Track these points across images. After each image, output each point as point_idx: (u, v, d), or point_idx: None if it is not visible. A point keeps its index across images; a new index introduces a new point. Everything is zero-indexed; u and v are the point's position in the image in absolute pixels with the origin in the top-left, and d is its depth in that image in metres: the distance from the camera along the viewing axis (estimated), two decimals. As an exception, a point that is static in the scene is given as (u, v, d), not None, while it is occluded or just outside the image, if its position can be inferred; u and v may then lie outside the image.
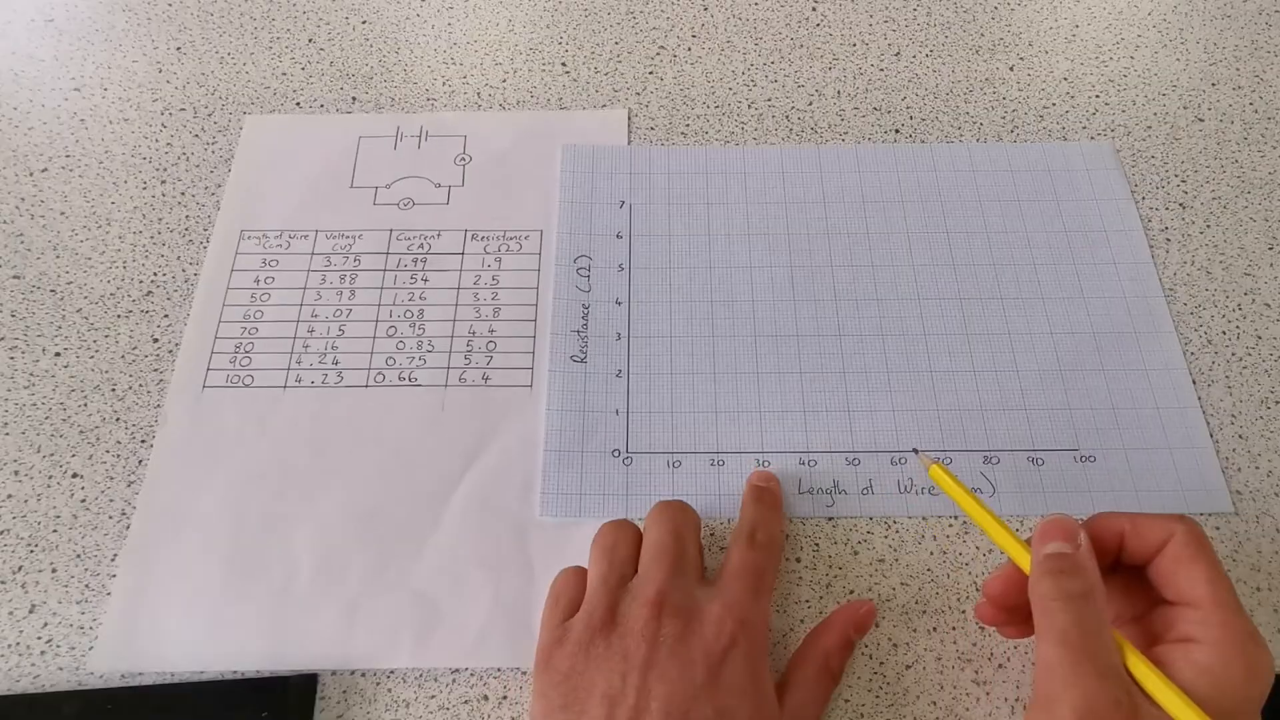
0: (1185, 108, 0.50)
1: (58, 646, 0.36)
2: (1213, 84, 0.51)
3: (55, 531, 0.38)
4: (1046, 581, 0.27)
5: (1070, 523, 0.29)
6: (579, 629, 0.32)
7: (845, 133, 0.49)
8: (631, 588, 0.32)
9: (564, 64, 0.52)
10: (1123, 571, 0.30)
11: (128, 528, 0.38)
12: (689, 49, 0.53)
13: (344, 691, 0.35)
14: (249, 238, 0.45)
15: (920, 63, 0.52)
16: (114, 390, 0.41)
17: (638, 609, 0.31)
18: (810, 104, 0.50)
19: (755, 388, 0.41)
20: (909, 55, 0.53)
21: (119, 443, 0.40)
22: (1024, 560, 0.30)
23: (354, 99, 0.51)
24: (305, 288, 0.44)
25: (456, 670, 0.35)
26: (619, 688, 0.30)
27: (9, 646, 0.36)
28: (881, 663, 0.35)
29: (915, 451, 0.39)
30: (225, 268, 0.44)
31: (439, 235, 0.46)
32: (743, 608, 0.32)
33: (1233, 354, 0.42)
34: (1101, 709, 0.25)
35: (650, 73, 0.52)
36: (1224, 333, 0.43)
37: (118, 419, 0.41)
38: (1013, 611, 0.31)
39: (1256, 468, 0.39)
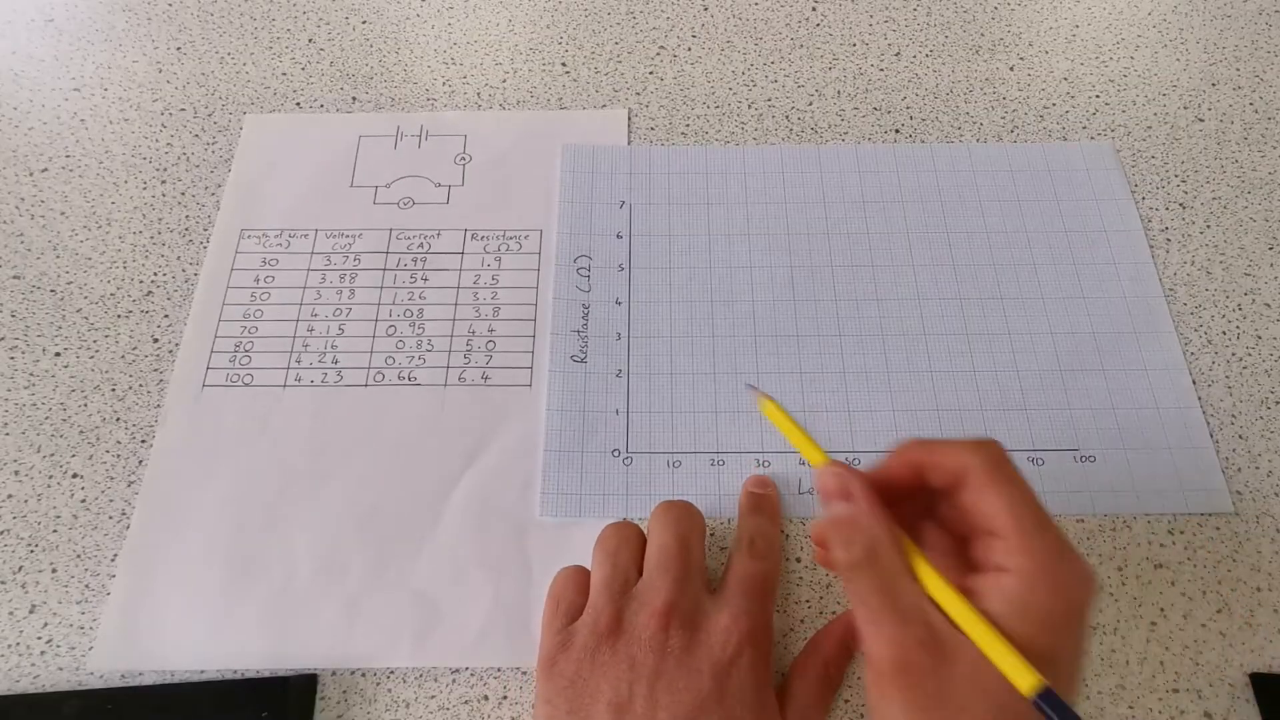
0: (1185, 108, 0.50)
1: (58, 646, 0.36)
2: (1213, 84, 0.51)
3: (55, 531, 0.38)
4: (839, 552, 0.27)
5: (842, 477, 0.28)
6: (584, 634, 0.31)
7: (845, 133, 0.49)
8: (637, 594, 0.32)
9: (564, 64, 0.52)
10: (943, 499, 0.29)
11: (128, 528, 0.38)
12: (689, 49, 0.53)
13: (344, 691, 0.35)
14: (249, 237, 0.45)
15: (920, 63, 0.52)
16: (114, 390, 0.41)
17: (645, 618, 0.31)
18: (810, 104, 0.50)
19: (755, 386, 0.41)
20: (909, 55, 0.53)
21: (119, 443, 0.40)
22: None
23: (354, 99, 0.51)
24: (305, 287, 0.44)
25: (456, 670, 0.35)
26: (626, 696, 0.30)
27: (9, 646, 0.36)
28: (881, 663, 0.35)
29: (750, 387, 0.37)
30: (225, 267, 0.44)
31: (439, 235, 0.46)
32: (748, 618, 0.32)
33: (1233, 354, 0.42)
34: (908, 654, 0.25)
35: (650, 73, 0.52)
36: (1224, 333, 0.43)
37: (118, 419, 0.40)
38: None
39: (1256, 468, 0.39)
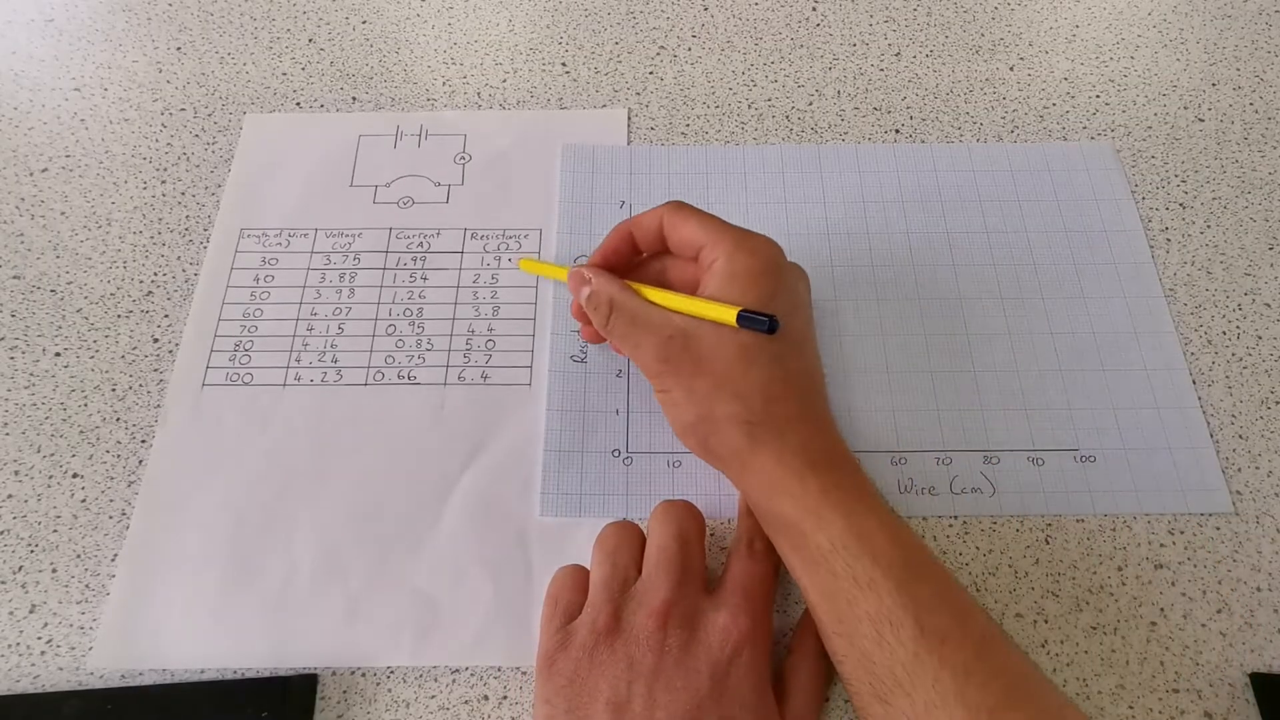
0: (1185, 108, 0.50)
1: (58, 646, 0.36)
2: (1213, 84, 0.51)
3: (55, 531, 0.38)
4: (595, 317, 0.36)
5: (579, 272, 0.37)
6: (583, 634, 0.32)
7: (845, 133, 0.49)
8: (636, 594, 0.32)
9: (564, 64, 0.52)
10: (667, 256, 0.38)
11: (127, 528, 0.38)
12: (689, 49, 0.53)
13: (344, 691, 0.35)
14: (249, 236, 0.45)
15: (920, 63, 0.52)
16: (114, 390, 0.41)
17: (643, 618, 0.31)
18: (810, 104, 0.50)
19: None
20: (909, 55, 0.53)
21: (119, 443, 0.40)
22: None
23: (354, 99, 0.51)
24: (305, 286, 0.44)
25: (456, 670, 0.35)
26: (624, 695, 0.30)
27: (9, 646, 0.36)
28: (881, 662, 0.35)
29: (512, 261, 0.44)
30: (225, 266, 0.44)
31: (438, 234, 0.46)
32: (747, 618, 0.32)
33: (1233, 354, 0.42)
34: (663, 347, 0.34)
35: (650, 73, 0.52)
36: (1224, 333, 0.43)
37: (118, 419, 0.41)
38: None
39: (1256, 468, 0.39)
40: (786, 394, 0.33)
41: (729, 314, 0.32)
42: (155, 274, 0.45)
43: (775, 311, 0.33)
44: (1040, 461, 0.39)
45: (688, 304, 0.34)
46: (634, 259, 0.39)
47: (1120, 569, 0.37)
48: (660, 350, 0.34)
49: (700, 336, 0.33)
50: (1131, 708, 0.34)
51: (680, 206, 0.36)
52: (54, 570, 0.37)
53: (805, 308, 0.36)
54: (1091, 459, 0.39)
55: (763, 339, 0.33)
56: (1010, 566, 0.37)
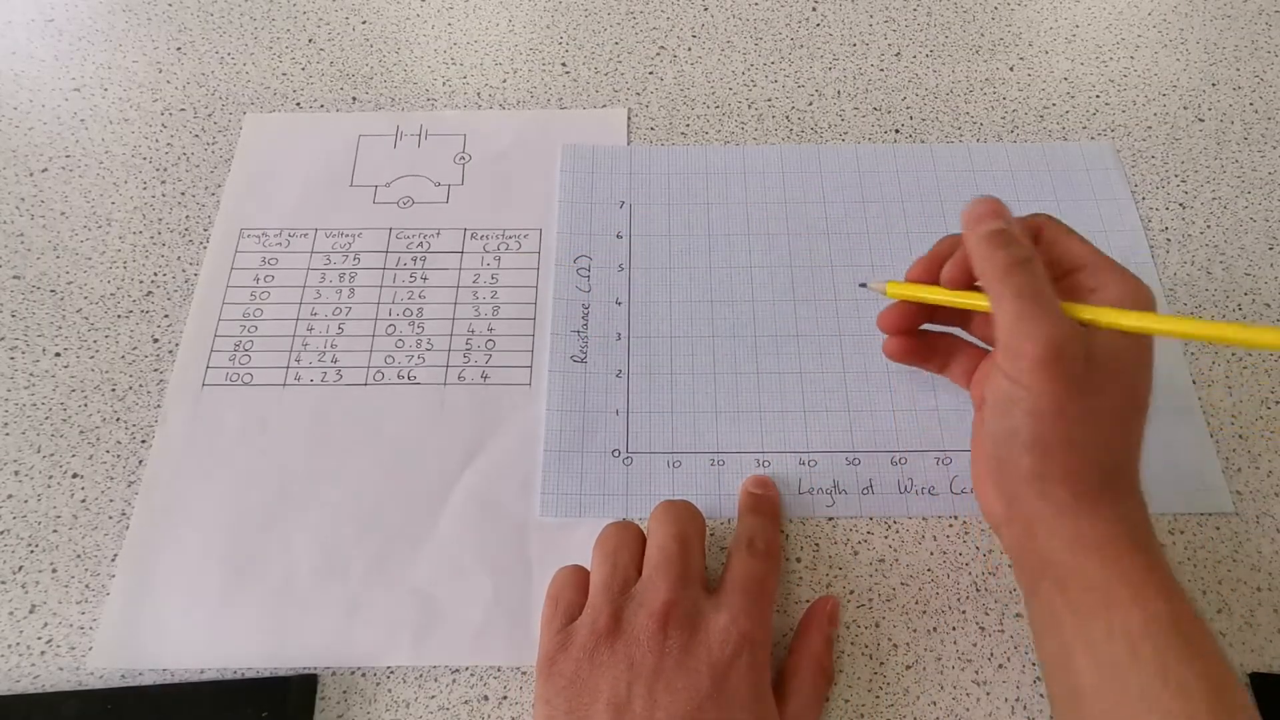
0: (1185, 108, 0.50)
1: (58, 646, 0.36)
2: (1213, 84, 0.51)
3: (55, 531, 0.38)
4: (999, 254, 0.30)
5: (996, 202, 0.32)
6: (583, 634, 0.31)
7: (845, 133, 0.49)
8: (636, 594, 0.32)
9: (564, 64, 0.52)
10: None
11: (127, 528, 0.38)
12: (689, 49, 0.53)
13: (344, 691, 0.35)
14: (249, 236, 0.45)
15: (920, 63, 0.52)
16: (114, 390, 0.41)
17: (644, 618, 0.31)
18: (810, 104, 0.50)
19: (755, 388, 0.41)
20: (909, 55, 0.53)
21: (119, 443, 0.40)
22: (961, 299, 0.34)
23: (354, 99, 0.51)
24: (305, 286, 0.44)
25: (456, 670, 0.35)
26: (625, 696, 0.30)
27: (9, 646, 0.36)
28: (881, 663, 0.35)
29: (863, 285, 0.39)
30: (225, 266, 0.44)
31: (438, 234, 0.46)
32: (747, 618, 0.32)
33: (1233, 354, 0.42)
34: (1063, 343, 0.28)
35: (650, 73, 0.52)
36: (1224, 333, 0.43)
37: (118, 419, 0.41)
38: (911, 339, 0.37)
39: (1256, 468, 0.39)
40: (1134, 458, 0.30)
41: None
42: (155, 274, 0.45)
43: (1150, 377, 0.30)
44: (1040, 461, 0.39)
45: (1097, 313, 0.30)
46: (965, 281, 0.34)
47: (1120, 569, 0.37)
48: (1059, 342, 0.28)
49: (1097, 352, 0.29)
50: (1131, 708, 0.34)
51: (1057, 220, 0.33)
52: (54, 570, 0.37)
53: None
54: (1091, 459, 0.39)
55: (1144, 395, 0.30)
56: (1010, 566, 0.37)
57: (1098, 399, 0.29)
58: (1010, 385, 0.29)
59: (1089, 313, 0.30)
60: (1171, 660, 0.27)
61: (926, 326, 0.37)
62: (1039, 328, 0.29)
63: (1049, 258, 0.32)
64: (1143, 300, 0.30)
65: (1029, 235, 0.32)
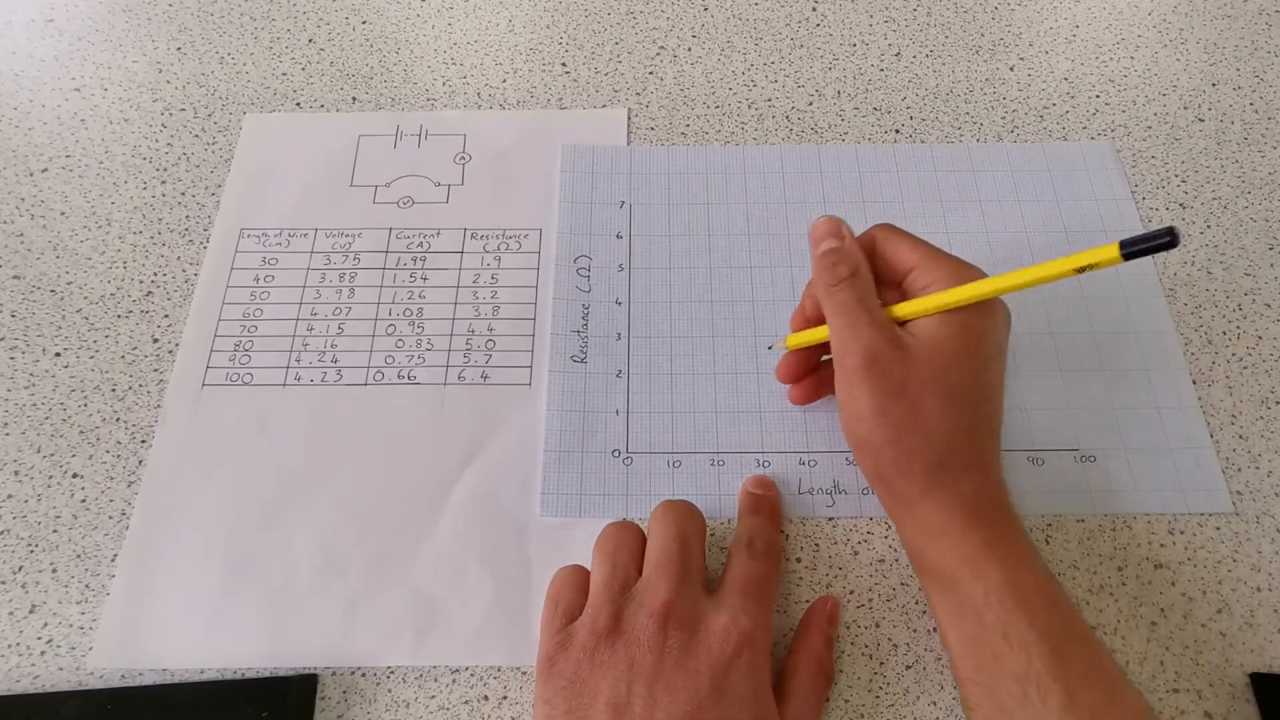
0: (1185, 108, 0.50)
1: (58, 646, 0.36)
2: (1213, 84, 0.51)
3: (55, 531, 0.38)
4: (826, 274, 0.34)
5: (835, 221, 0.35)
6: (583, 635, 0.31)
7: (845, 133, 0.49)
8: (636, 595, 0.32)
9: (564, 64, 0.52)
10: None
11: (127, 528, 0.38)
12: (689, 49, 0.53)
13: (344, 691, 0.35)
14: (249, 236, 0.45)
15: (920, 63, 0.52)
16: (114, 390, 0.41)
17: (644, 619, 0.31)
18: (810, 104, 0.50)
19: (755, 388, 0.41)
20: (909, 55, 0.53)
21: (119, 443, 0.40)
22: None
23: (354, 99, 0.51)
24: (305, 286, 0.44)
25: (456, 670, 0.35)
26: (625, 696, 0.30)
27: (9, 646, 0.36)
28: (881, 663, 0.35)
29: (770, 348, 0.42)
30: (225, 266, 0.44)
31: (438, 234, 0.46)
32: (747, 618, 0.32)
33: (1233, 354, 0.42)
34: (877, 350, 0.31)
35: (650, 73, 0.52)
36: (1224, 333, 0.43)
37: (118, 419, 0.41)
38: (812, 378, 0.39)
39: (1256, 468, 0.39)
40: (971, 441, 0.32)
41: (1102, 254, 0.28)
42: (155, 274, 0.45)
43: (984, 353, 0.32)
44: (1040, 461, 0.39)
45: (924, 302, 0.32)
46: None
47: (1120, 569, 0.37)
48: (872, 353, 0.31)
49: (914, 361, 0.31)
50: (1131, 708, 0.34)
51: (893, 227, 0.35)
52: (54, 570, 0.37)
53: (1004, 353, 0.34)
54: (1091, 459, 0.39)
55: (970, 380, 0.32)
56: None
57: (919, 394, 0.31)
58: (843, 394, 0.33)
59: (904, 309, 0.33)
60: (1011, 623, 0.29)
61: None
62: (855, 340, 0.32)
63: (885, 265, 0.34)
64: (964, 279, 0.32)
65: (867, 247, 0.34)
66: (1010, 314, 0.34)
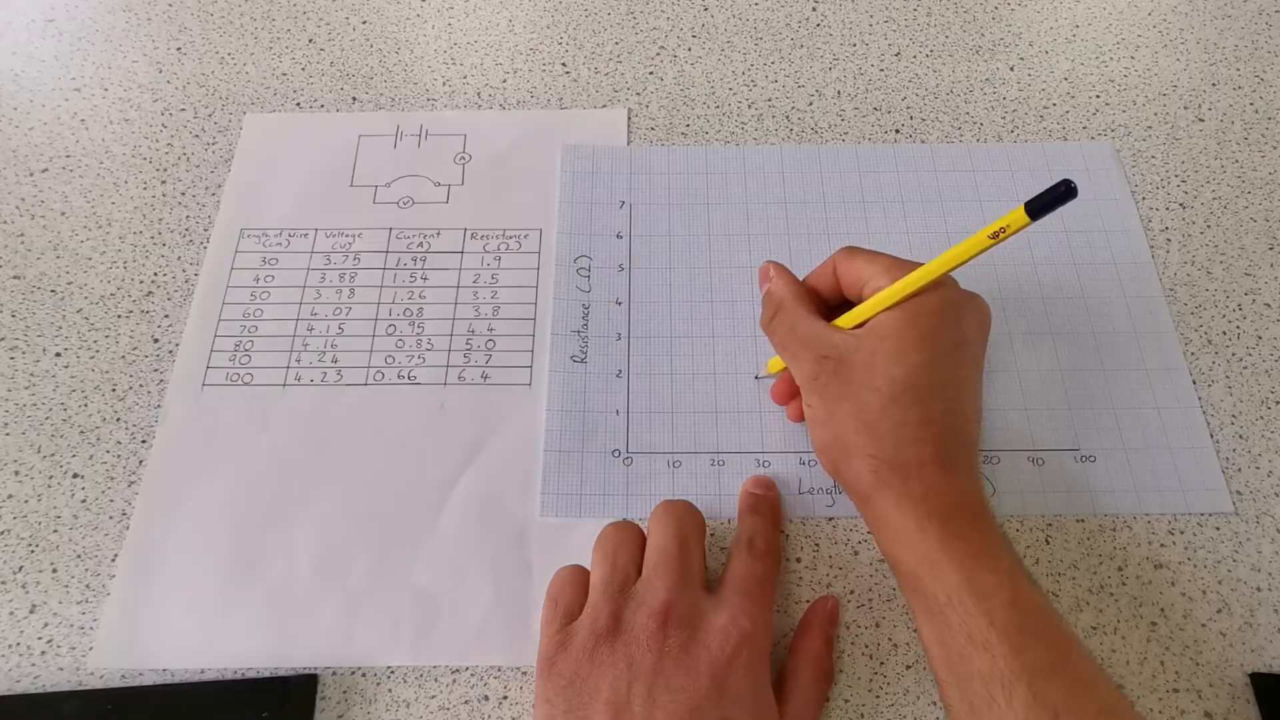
0: (1185, 108, 0.50)
1: (58, 646, 0.36)
2: (1213, 84, 0.51)
3: (55, 531, 0.38)
4: (763, 317, 0.37)
5: (764, 266, 0.38)
6: (583, 634, 0.32)
7: (845, 133, 0.49)
8: (636, 594, 0.32)
9: (564, 64, 0.52)
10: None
11: (128, 528, 0.38)
12: (689, 49, 0.53)
13: (344, 691, 0.35)
14: (249, 236, 0.45)
15: (920, 63, 0.52)
16: (114, 390, 0.41)
17: (643, 618, 0.31)
18: (810, 104, 0.50)
19: (755, 388, 0.41)
20: (909, 55, 0.53)
21: (119, 443, 0.40)
22: None
23: (354, 99, 0.51)
24: (305, 286, 0.44)
25: (456, 670, 0.35)
26: (624, 696, 0.30)
27: (9, 646, 0.36)
28: (882, 663, 0.35)
29: (758, 378, 0.42)
30: (225, 266, 0.44)
31: (438, 234, 0.46)
32: (746, 618, 0.32)
33: (1233, 354, 0.42)
34: (814, 367, 0.33)
35: (650, 73, 0.52)
36: (1224, 333, 0.43)
37: (118, 419, 0.41)
38: (793, 397, 0.40)
39: (1256, 468, 0.39)
40: (922, 436, 0.32)
41: (1010, 219, 0.30)
42: (155, 274, 0.45)
43: (936, 347, 0.32)
44: (1040, 461, 0.39)
45: (863, 308, 0.33)
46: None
47: (1120, 569, 0.37)
48: (813, 367, 0.33)
49: (853, 363, 0.32)
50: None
51: (853, 249, 0.35)
52: (54, 570, 0.37)
53: (972, 345, 0.34)
54: (1091, 459, 0.39)
55: (915, 374, 0.32)
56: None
57: (861, 392, 0.32)
58: (805, 412, 0.35)
59: (844, 319, 0.34)
60: (972, 624, 0.29)
61: None
62: (796, 364, 0.34)
63: (847, 285, 0.35)
64: (900, 275, 0.33)
65: (828, 272, 0.36)
66: (987, 310, 0.35)
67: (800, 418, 0.40)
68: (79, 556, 0.37)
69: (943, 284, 0.33)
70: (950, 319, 0.33)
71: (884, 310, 0.33)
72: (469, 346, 0.42)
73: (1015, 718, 0.28)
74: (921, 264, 0.33)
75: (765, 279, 0.37)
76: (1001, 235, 0.30)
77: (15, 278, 0.44)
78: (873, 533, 0.34)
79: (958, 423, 0.33)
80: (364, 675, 0.35)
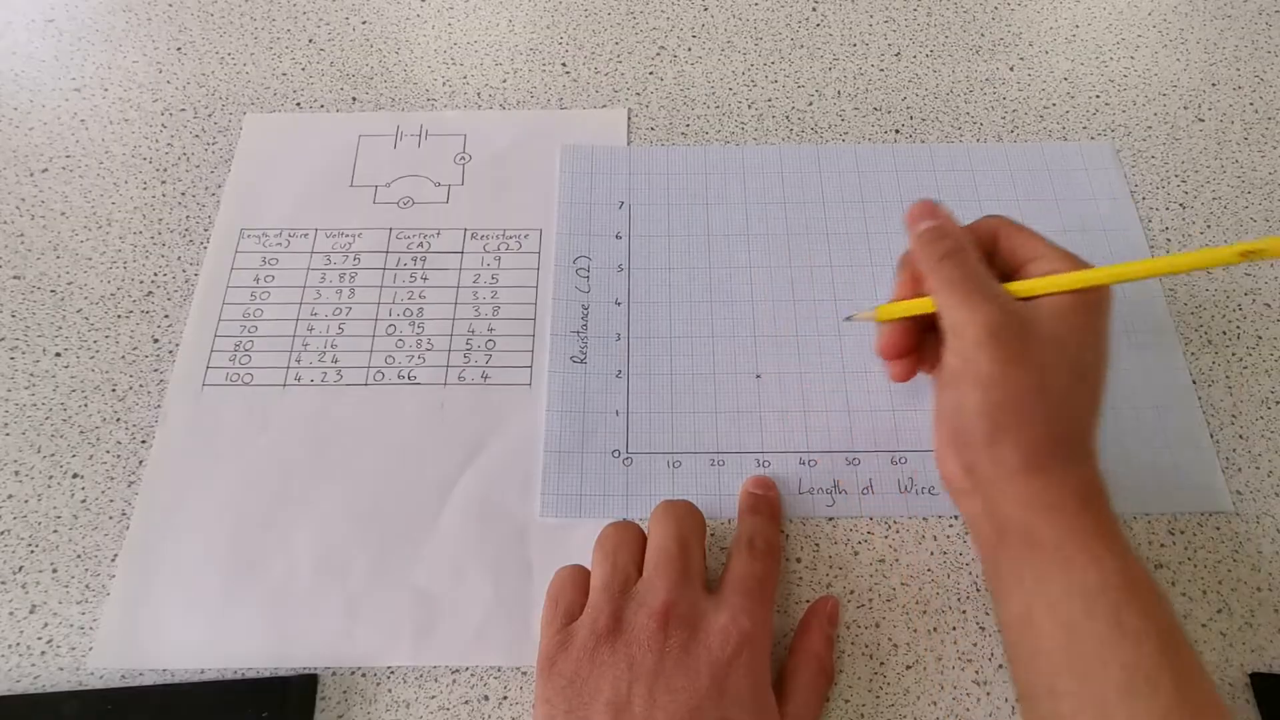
0: (1185, 108, 0.50)
1: (58, 646, 0.36)
2: (1213, 84, 0.51)
3: (55, 531, 0.38)
4: (929, 249, 0.33)
5: (929, 203, 0.35)
6: (583, 634, 0.32)
7: (845, 133, 0.49)
8: (637, 594, 0.32)
9: (564, 64, 0.52)
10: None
11: (128, 528, 0.38)
12: (689, 49, 0.53)
13: (344, 691, 0.35)
14: (249, 236, 0.45)
15: (920, 63, 0.52)
16: (114, 390, 0.41)
17: (644, 618, 0.31)
18: (810, 104, 0.50)
19: (755, 388, 0.41)
20: (909, 55, 0.53)
21: (119, 443, 0.40)
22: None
23: (354, 99, 0.51)
24: (305, 286, 0.44)
25: (456, 670, 0.35)
26: (625, 696, 0.30)
27: (9, 646, 0.36)
28: (882, 663, 0.35)
29: (848, 319, 0.41)
30: (225, 266, 0.44)
31: (438, 234, 0.46)
32: (747, 618, 0.32)
33: (1233, 354, 0.42)
34: (999, 319, 0.31)
35: (650, 73, 0.52)
36: (1224, 333, 0.43)
37: (118, 419, 0.41)
38: (913, 356, 0.37)
39: (1256, 468, 0.39)
40: (1089, 424, 0.32)
41: (1269, 245, 0.28)
42: (155, 274, 0.45)
43: (1104, 343, 0.32)
44: (1040, 461, 0.39)
45: (1038, 284, 0.32)
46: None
47: (1120, 569, 0.37)
48: (995, 320, 0.31)
49: (1038, 333, 0.31)
50: (1131, 708, 0.34)
51: (1010, 220, 0.35)
52: (54, 570, 0.37)
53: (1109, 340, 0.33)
54: (1091, 459, 0.39)
55: (1097, 364, 0.31)
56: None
57: (1041, 369, 0.31)
58: (959, 362, 0.32)
59: (1024, 287, 0.32)
60: (1125, 613, 0.28)
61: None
62: (973, 310, 0.31)
63: (1005, 254, 0.34)
64: (1071, 263, 0.32)
65: (988, 235, 0.34)
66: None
67: (908, 376, 0.37)
68: (79, 556, 0.37)
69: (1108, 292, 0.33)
70: (1110, 317, 0.33)
71: (1063, 292, 0.32)
72: (469, 346, 0.42)
73: (1155, 711, 0.27)
74: (1075, 256, 0.33)
75: (930, 215, 0.34)
76: (1253, 256, 0.28)
77: (15, 278, 0.44)
78: (1005, 503, 0.31)
79: (1098, 419, 0.32)
80: (364, 675, 0.35)
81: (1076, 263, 0.32)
